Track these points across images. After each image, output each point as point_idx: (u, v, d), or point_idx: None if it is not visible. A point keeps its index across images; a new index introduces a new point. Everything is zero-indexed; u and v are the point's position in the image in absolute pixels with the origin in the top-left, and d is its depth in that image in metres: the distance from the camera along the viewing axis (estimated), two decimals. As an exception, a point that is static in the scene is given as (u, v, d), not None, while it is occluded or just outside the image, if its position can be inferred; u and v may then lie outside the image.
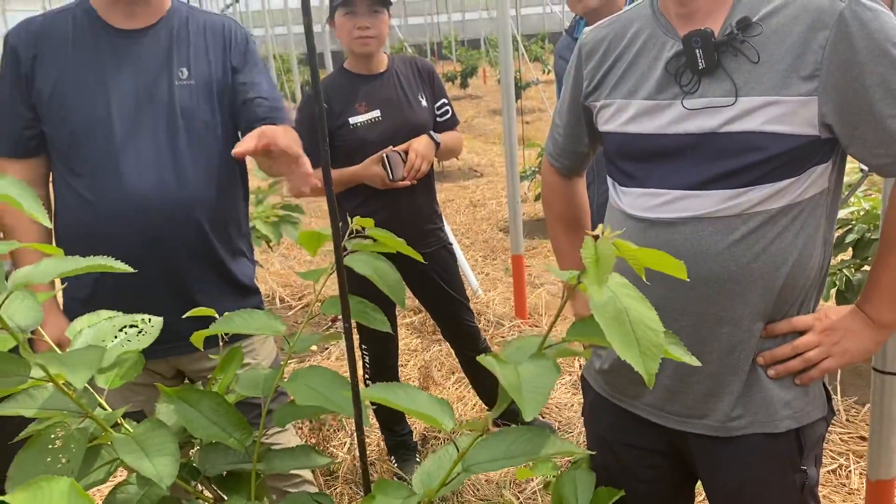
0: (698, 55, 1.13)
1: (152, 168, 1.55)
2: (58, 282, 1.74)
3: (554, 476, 1.49)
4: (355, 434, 2.73)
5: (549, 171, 1.52)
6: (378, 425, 2.74)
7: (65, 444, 1.00)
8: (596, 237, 0.75)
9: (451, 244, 2.67)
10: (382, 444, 2.73)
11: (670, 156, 1.18)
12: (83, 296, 1.60)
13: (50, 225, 0.84)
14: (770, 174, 1.12)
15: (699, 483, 1.35)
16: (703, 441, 1.25)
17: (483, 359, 0.77)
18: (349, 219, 1.19)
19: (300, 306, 4.52)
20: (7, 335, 1.04)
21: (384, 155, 2.33)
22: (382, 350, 2.61)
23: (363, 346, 2.64)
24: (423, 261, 1.25)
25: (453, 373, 3.36)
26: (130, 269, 0.99)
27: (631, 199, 1.24)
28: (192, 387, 1.15)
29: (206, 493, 1.15)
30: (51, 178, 1.67)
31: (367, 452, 2.62)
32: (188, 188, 1.58)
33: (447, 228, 2.73)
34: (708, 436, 1.23)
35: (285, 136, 1.29)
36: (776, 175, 1.12)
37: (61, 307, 1.66)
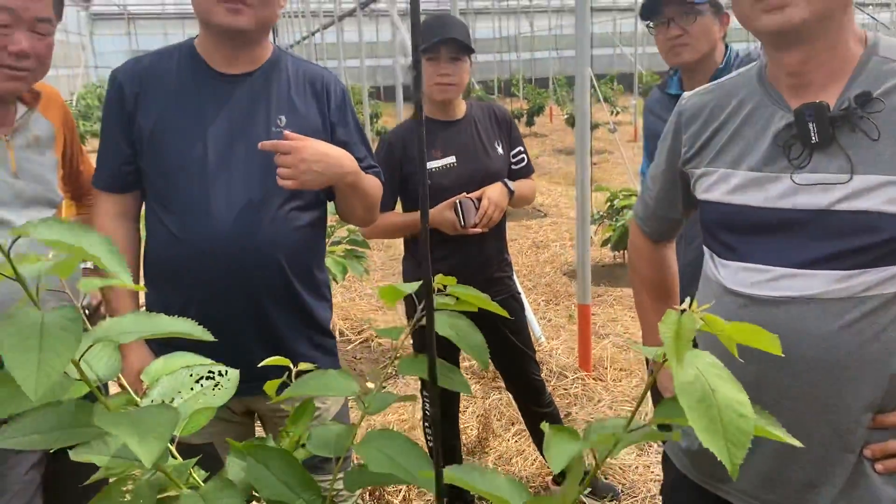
0: (811, 128, 1.06)
1: (241, 209, 1.56)
2: (142, 295, 1.75)
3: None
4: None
5: (638, 234, 1.46)
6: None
7: (133, 499, 0.98)
8: (683, 311, 0.70)
9: (519, 293, 2.62)
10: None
11: (777, 231, 1.12)
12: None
13: (132, 285, 0.83)
14: (886, 257, 1.04)
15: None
16: None
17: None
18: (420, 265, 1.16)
19: (359, 340, 4.51)
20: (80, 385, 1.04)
21: (457, 201, 2.31)
22: (444, 398, 2.56)
23: (424, 393, 2.60)
24: (505, 314, 1.20)
25: (513, 423, 3.27)
26: (210, 338, 0.97)
27: (731, 273, 1.17)
28: (263, 443, 1.12)
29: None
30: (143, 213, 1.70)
31: (426, 502, 2.56)
32: (274, 230, 1.59)
33: (515, 277, 2.68)
34: None
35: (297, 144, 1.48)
36: (892, 258, 1.04)
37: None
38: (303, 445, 1.21)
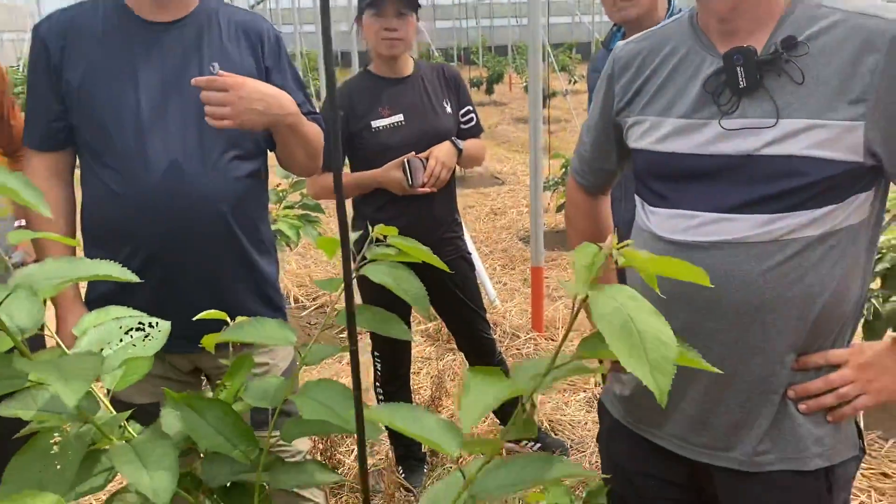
0: (739, 74, 1.08)
1: (179, 160, 1.53)
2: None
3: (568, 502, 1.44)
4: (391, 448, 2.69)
5: (574, 188, 1.47)
6: (387, 434, 2.70)
7: (62, 450, 0.96)
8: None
9: (469, 254, 2.62)
10: (391, 453, 2.68)
11: (705, 177, 1.13)
12: (107, 288, 1.57)
13: (49, 214, 0.81)
14: (809, 200, 1.06)
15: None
16: (727, 475, 1.19)
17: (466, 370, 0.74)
18: (368, 225, 1.16)
19: (314, 307, 4.49)
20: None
21: (405, 160, 2.30)
22: (395, 359, 2.57)
23: (375, 353, 2.60)
24: (448, 270, 1.20)
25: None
26: (135, 279, 0.95)
27: (660, 220, 1.19)
28: (199, 394, 1.11)
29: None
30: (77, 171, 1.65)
31: (376, 462, 2.58)
32: (215, 181, 1.56)
33: (467, 237, 2.68)
34: (733, 469, 1.18)
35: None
36: (816, 202, 1.06)
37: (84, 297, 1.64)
38: (240, 399, 1.21)
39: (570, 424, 2.95)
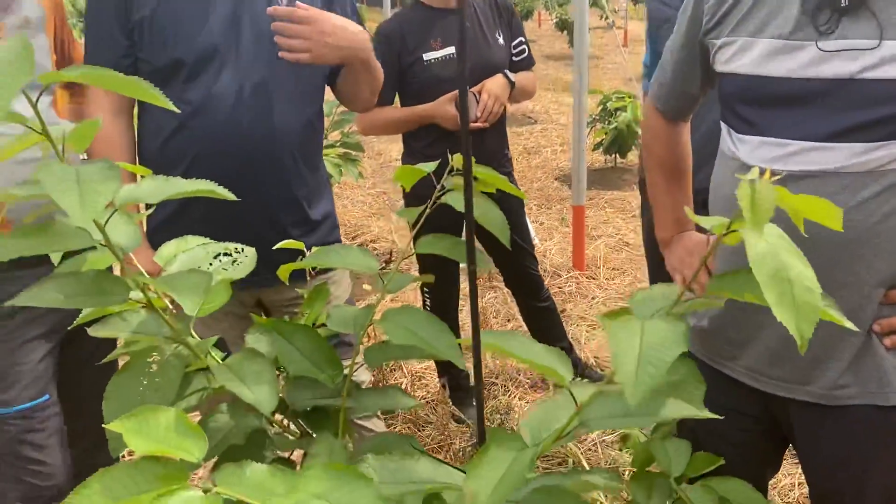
0: None
1: (250, 94, 1.52)
2: (142, 207, 1.73)
3: (633, 431, 1.45)
4: (443, 380, 2.72)
5: (653, 113, 1.43)
6: (436, 369, 2.74)
7: (161, 370, 0.98)
8: (752, 180, 0.68)
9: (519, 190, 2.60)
10: (438, 385, 2.73)
11: (798, 103, 1.09)
12: (166, 219, 1.58)
13: (177, 110, 0.82)
14: None
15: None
16: (804, 409, 1.18)
17: (604, 319, 0.72)
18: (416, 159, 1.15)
19: (354, 245, 4.51)
20: (104, 255, 1.03)
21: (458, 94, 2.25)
22: (444, 295, 2.58)
23: (424, 289, 2.62)
24: (522, 195, 1.19)
25: (509, 320, 3.33)
26: (233, 197, 0.95)
27: (749, 149, 1.16)
28: (286, 320, 1.13)
29: (292, 427, 1.14)
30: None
31: (426, 395, 2.63)
32: (284, 115, 1.55)
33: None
34: (810, 403, 1.17)
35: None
36: None
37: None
38: (320, 327, 1.22)
39: (615, 361, 2.96)
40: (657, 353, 0.63)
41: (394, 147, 6.77)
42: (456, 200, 1.12)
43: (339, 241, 1.80)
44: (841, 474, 1.18)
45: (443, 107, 2.27)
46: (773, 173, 1.11)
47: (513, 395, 2.71)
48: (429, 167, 1.17)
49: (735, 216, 0.69)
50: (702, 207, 1.50)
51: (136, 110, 1.66)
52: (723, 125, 1.23)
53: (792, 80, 1.09)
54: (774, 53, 1.11)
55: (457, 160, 1.14)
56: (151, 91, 0.78)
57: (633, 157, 5.96)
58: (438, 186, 1.14)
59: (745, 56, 1.14)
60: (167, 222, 1.58)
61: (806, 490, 2.14)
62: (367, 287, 3.72)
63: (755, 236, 0.64)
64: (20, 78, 0.65)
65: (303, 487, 0.68)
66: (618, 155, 5.81)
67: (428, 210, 1.13)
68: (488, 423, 2.43)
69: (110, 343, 1.65)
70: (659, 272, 2.33)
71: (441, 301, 2.58)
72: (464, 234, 1.07)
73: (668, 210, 1.44)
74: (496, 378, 2.85)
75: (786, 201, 0.67)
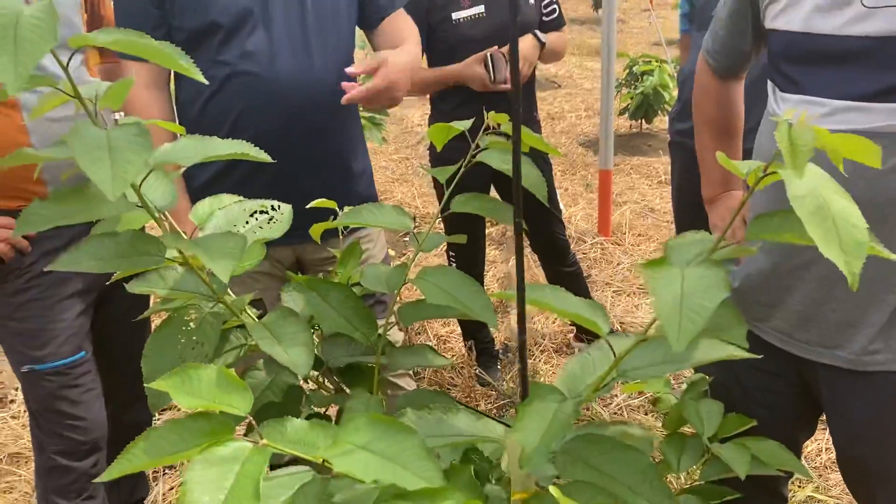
0: None
1: (286, 51, 1.52)
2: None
3: (665, 393, 1.45)
4: (469, 343, 2.73)
5: (705, 70, 1.39)
6: (462, 333, 2.74)
7: (199, 327, 0.99)
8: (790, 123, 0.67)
9: (547, 154, 2.58)
10: (464, 349, 2.74)
11: (839, 61, 1.06)
12: (211, 179, 1.58)
13: (206, 81, 0.82)
14: None
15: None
16: (833, 373, 1.17)
17: (640, 267, 0.71)
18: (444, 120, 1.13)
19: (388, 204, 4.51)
20: (140, 214, 1.03)
21: (487, 55, 2.23)
22: (470, 258, 2.58)
23: (451, 254, 2.62)
24: (556, 152, 1.17)
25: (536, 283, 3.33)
26: (269, 159, 0.95)
27: (790, 108, 1.13)
28: (321, 278, 1.13)
29: (327, 383, 1.16)
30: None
31: (450, 356, 2.64)
32: (320, 70, 1.55)
33: (541, 138, 2.63)
34: (839, 368, 1.16)
35: (389, 71, 1.48)
36: None
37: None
38: (355, 285, 1.22)
39: (641, 327, 2.95)
40: (699, 299, 0.63)
41: (416, 113, 6.72)
42: (492, 158, 1.11)
43: (376, 195, 1.81)
44: (867, 441, 1.17)
45: (472, 67, 2.24)
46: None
47: (538, 359, 2.72)
48: (463, 125, 1.15)
49: (773, 158, 0.67)
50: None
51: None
52: (769, 85, 1.20)
53: (836, 37, 1.06)
54: (821, 10, 1.08)
55: (494, 118, 1.13)
56: (181, 60, 0.77)
57: (659, 122, 5.87)
58: (473, 145, 1.13)
59: (792, 12, 1.11)
60: (211, 183, 1.58)
61: (832, 455, 2.14)
62: (390, 252, 3.73)
63: (795, 175, 0.62)
64: (43, 46, 0.64)
65: (345, 439, 0.68)
66: (644, 120, 5.73)
67: (463, 168, 1.12)
68: (512, 386, 2.45)
69: (144, 300, 1.67)
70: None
71: (467, 264, 2.58)
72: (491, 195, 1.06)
73: (714, 170, 1.42)
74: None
75: (824, 140, 0.66)
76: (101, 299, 1.53)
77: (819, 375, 1.20)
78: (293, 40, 1.53)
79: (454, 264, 2.59)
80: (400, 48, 1.63)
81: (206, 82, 0.79)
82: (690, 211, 2.16)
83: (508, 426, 0.82)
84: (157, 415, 2.06)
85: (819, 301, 1.15)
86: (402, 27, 1.74)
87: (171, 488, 2.13)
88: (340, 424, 0.72)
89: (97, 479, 0.68)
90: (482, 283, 2.70)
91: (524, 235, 2.64)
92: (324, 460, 0.69)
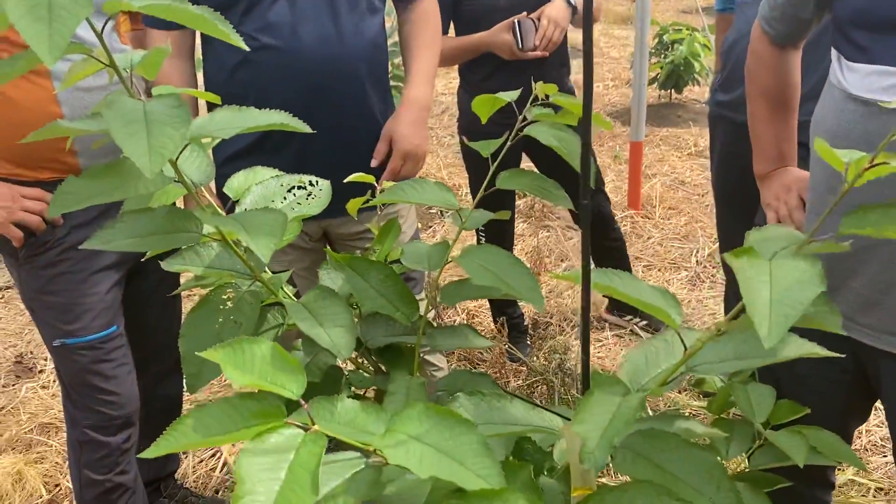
0: None
1: (310, 22, 1.47)
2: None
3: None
4: (501, 320, 2.70)
5: (761, 38, 1.32)
6: (490, 308, 2.70)
7: (237, 306, 0.96)
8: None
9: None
10: (494, 325, 2.70)
11: None
12: (237, 153, 1.54)
13: (245, 47, 0.77)
14: None
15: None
16: (893, 361, 1.12)
17: (729, 257, 0.66)
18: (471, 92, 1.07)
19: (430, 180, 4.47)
20: (174, 188, 1.00)
21: (515, 21, 2.15)
22: (500, 233, 2.53)
23: (480, 231, 2.55)
24: (609, 125, 1.11)
25: (562, 260, 3.28)
26: (307, 128, 0.91)
27: (857, 78, 1.06)
28: (360, 256, 1.09)
29: (366, 364, 1.12)
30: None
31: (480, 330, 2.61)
32: (347, 42, 1.50)
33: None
34: None
35: (399, 147, 1.58)
36: None
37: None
38: (392, 263, 1.19)
39: (673, 302, 2.90)
40: (793, 293, 0.58)
41: (439, 81, 6.62)
42: (540, 132, 1.06)
43: None
44: None
45: (499, 35, 2.16)
46: (874, 104, 1.03)
47: (569, 335, 2.68)
48: (510, 96, 1.10)
49: (880, 148, 0.62)
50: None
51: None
52: (833, 53, 1.13)
53: None
54: None
55: (541, 89, 1.08)
56: (221, 25, 0.72)
57: (688, 92, 5.74)
58: (520, 118, 1.07)
59: None
60: (237, 156, 1.54)
61: (873, 438, 2.09)
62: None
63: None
64: (79, 13, 0.60)
65: (399, 428, 0.65)
66: (674, 90, 5.60)
67: (510, 142, 1.07)
68: (544, 363, 2.41)
69: (175, 274, 1.65)
70: (727, 212, 2.23)
71: (496, 240, 2.53)
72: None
73: (768, 143, 1.35)
74: (551, 318, 2.82)
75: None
76: (132, 273, 1.51)
77: (879, 363, 1.15)
78: (318, 11, 1.48)
79: (482, 238, 2.54)
80: (406, 97, 1.64)
81: (246, 48, 0.74)
82: (733, 187, 2.09)
83: (565, 417, 0.78)
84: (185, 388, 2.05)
85: (884, 285, 1.09)
86: (429, 12, 1.71)
87: (201, 461, 2.13)
88: (393, 412, 0.68)
89: (141, 455, 0.65)
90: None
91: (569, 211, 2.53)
92: (375, 449, 0.66)
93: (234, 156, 1.55)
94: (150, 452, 0.64)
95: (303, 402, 0.64)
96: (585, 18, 0.63)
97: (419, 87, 1.66)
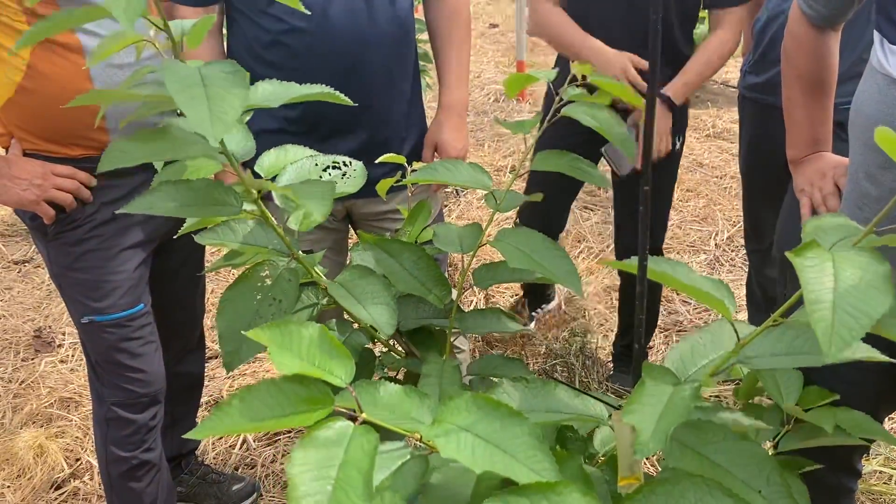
0: None
1: (342, 4, 1.44)
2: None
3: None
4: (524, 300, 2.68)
5: (800, 19, 1.28)
6: (527, 301, 2.64)
7: (276, 284, 0.95)
8: None
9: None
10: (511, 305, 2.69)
11: None
12: (267, 128, 1.53)
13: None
14: None
15: None
16: None
17: (791, 256, 0.64)
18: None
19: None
20: (209, 163, 0.98)
21: (603, 151, 1.91)
22: (545, 215, 2.37)
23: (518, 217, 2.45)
24: (640, 104, 1.08)
25: (580, 241, 3.26)
26: (349, 102, 0.90)
27: None
28: (393, 238, 1.08)
29: (398, 346, 1.12)
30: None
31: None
32: (378, 24, 1.48)
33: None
34: None
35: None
36: None
37: None
38: (424, 244, 1.17)
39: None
40: (859, 302, 0.55)
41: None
42: (577, 112, 1.04)
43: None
44: None
45: (613, 68, 1.85)
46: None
47: (590, 320, 2.66)
48: (547, 74, 1.08)
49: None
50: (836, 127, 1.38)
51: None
52: (875, 35, 1.10)
53: None
54: None
55: (578, 69, 1.06)
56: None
57: (706, 73, 5.64)
58: (557, 99, 1.05)
59: None
60: (266, 134, 1.53)
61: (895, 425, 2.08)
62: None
63: None
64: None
65: (447, 418, 0.64)
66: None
67: (547, 123, 1.05)
68: (567, 345, 2.40)
69: (200, 253, 1.65)
70: (755, 197, 2.20)
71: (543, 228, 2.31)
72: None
73: (803, 128, 1.33)
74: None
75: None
76: (157, 250, 1.50)
77: None
78: None
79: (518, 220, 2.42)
80: (446, 103, 1.64)
81: (308, 11, 0.73)
82: (762, 172, 2.06)
83: (609, 405, 0.78)
84: (207, 368, 2.05)
85: None
86: (459, 5, 1.66)
87: (221, 438, 2.14)
88: (437, 398, 0.68)
89: (187, 435, 0.63)
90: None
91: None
92: (422, 439, 0.65)
93: (261, 133, 1.53)
94: (195, 434, 0.63)
95: (349, 387, 0.63)
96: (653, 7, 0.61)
97: (456, 90, 1.65)
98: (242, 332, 0.69)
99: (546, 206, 2.13)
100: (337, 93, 0.88)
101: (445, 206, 3.74)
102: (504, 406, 0.63)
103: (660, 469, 0.73)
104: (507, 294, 2.80)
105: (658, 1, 0.61)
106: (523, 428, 0.62)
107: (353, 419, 0.63)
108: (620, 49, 1.87)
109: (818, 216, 0.73)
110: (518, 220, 2.40)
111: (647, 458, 0.81)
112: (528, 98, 5.19)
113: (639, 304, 0.72)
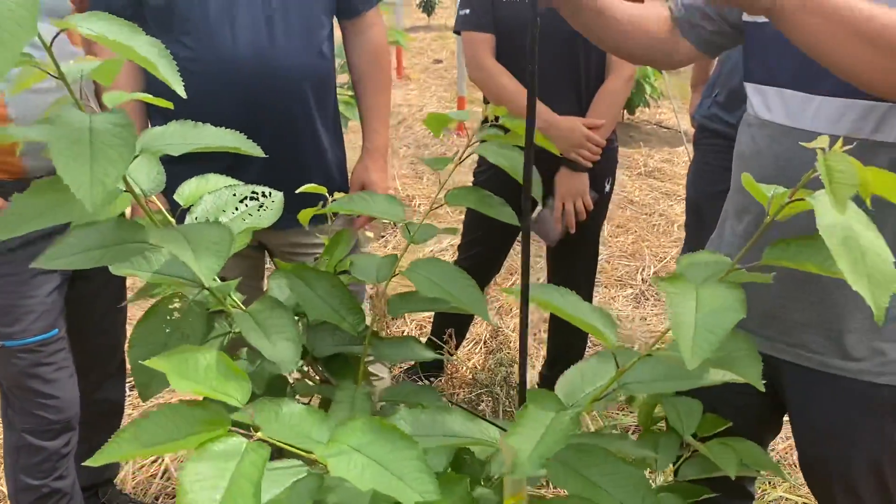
0: None
1: (248, 33, 1.46)
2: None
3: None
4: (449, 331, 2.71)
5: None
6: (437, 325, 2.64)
7: (184, 317, 0.97)
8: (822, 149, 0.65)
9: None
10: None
11: None
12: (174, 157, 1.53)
13: (184, 94, 0.77)
14: None
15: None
16: (796, 371, 1.16)
17: (660, 282, 0.70)
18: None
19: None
20: (125, 197, 0.99)
21: (532, 218, 1.99)
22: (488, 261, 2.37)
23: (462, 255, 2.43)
24: (552, 148, 1.14)
25: (512, 273, 3.32)
26: (261, 153, 0.92)
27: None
28: (309, 265, 1.11)
29: (311, 373, 1.14)
30: None
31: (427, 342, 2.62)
32: (285, 54, 1.49)
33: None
34: (803, 368, 1.14)
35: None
36: None
37: None
38: (341, 273, 1.20)
39: (619, 320, 2.97)
40: (715, 318, 0.62)
41: (397, 93, 6.66)
42: (488, 151, 1.09)
43: (347, 189, 1.76)
44: (829, 443, 1.16)
45: (573, 138, 1.96)
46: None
47: (516, 350, 2.72)
48: (460, 115, 1.13)
49: (799, 185, 0.66)
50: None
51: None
52: (749, 87, 1.18)
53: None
54: None
55: (492, 110, 1.11)
56: (163, 70, 0.73)
57: (640, 113, 5.88)
58: (473, 138, 1.10)
59: None
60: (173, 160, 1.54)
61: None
62: (369, 234, 3.69)
63: (825, 204, 0.61)
64: (23, 36, 0.59)
65: (341, 438, 0.67)
66: (626, 111, 5.74)
67: (459, 161, 1.10)
68: (492, 375, 2.44)
69: (119, 279, 1.63)
70: (695, 222, 2.29)
71: (485, 266, 2.35)
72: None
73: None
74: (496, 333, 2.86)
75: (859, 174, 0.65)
76: (76, 276, 1.49)
77: (782, 371, 1.17)
78: (255, 23, 1.46)
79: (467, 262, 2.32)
80: (371, 147, 1.67)
81: (184, 95, 0.75)
82: (705, 199, 2.17)
83: (503, 430, 0.81)
84: (128, 392, 2.02)
85: (783, 302, 1.13)
86: (374, 24, 1.69)
87: (142, 467, 2.10)
88: (336, 420, 0.70)
89: (84, 464, 0.64)
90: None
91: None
92: (317, 458, 0.67)
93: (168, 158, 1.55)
94: (92, 461, 0.64)
95: (245, 407, 0.65)
96: (530, 38, 0.66)
97: (380, 133, 1.70)
98: (142, 362, 0.71)
99: (483, 251, 2.26)
100: (248, 144, 0.90)
101: (383, 236, 3.77)
102: (397, 430, 0.66)
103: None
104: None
105: (533, 52, 0.66)
106: (412, 451, 0.65)
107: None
108: (552, 90, 1.94)
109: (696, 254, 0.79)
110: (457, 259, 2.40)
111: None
112: (465, 133, 5.30)
113: (521, 334, 0.76)
